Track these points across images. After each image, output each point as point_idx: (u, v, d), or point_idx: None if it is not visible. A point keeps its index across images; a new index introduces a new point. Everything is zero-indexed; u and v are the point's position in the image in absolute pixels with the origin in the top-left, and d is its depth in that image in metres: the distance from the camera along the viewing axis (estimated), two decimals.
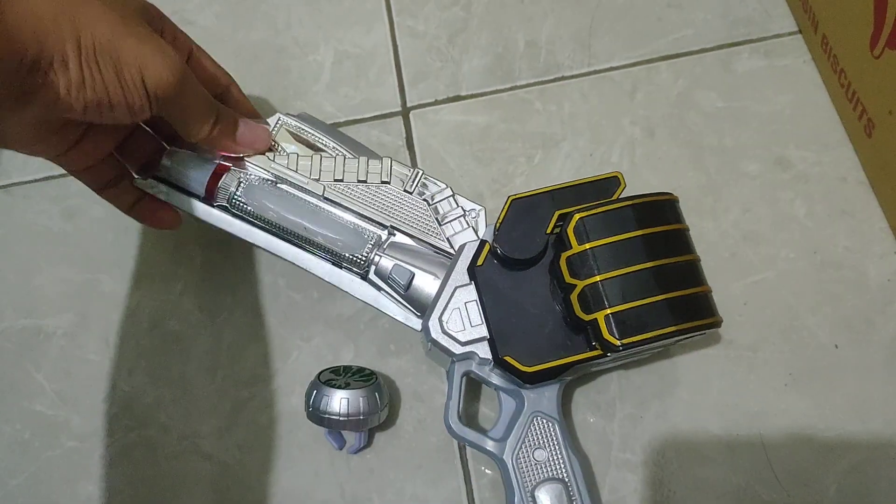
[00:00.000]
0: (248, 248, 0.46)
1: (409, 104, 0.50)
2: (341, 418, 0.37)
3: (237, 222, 0.39)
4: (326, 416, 0.37)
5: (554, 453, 0.35)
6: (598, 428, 0.40)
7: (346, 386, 0.38)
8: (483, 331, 0.35)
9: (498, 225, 0.36)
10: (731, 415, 0.40)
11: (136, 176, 0.41)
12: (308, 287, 0.45)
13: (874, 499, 0.38)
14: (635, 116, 0.48)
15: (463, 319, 0.36)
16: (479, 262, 0.36)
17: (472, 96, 0.50)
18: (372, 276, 0.38)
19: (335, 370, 0.40)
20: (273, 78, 0.52)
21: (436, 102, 0.50)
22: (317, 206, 0.39)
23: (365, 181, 0.39)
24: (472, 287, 0.36)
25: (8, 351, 0.45)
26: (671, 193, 0.36)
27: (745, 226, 0.44)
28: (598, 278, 0.33)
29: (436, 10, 0.53)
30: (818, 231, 0.44)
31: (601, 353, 0.34)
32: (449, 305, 0.36)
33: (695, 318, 0.33)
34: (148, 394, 0.43)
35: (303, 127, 0.41)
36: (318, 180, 0.39)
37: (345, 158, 0.39)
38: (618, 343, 0.32)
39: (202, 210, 0.40)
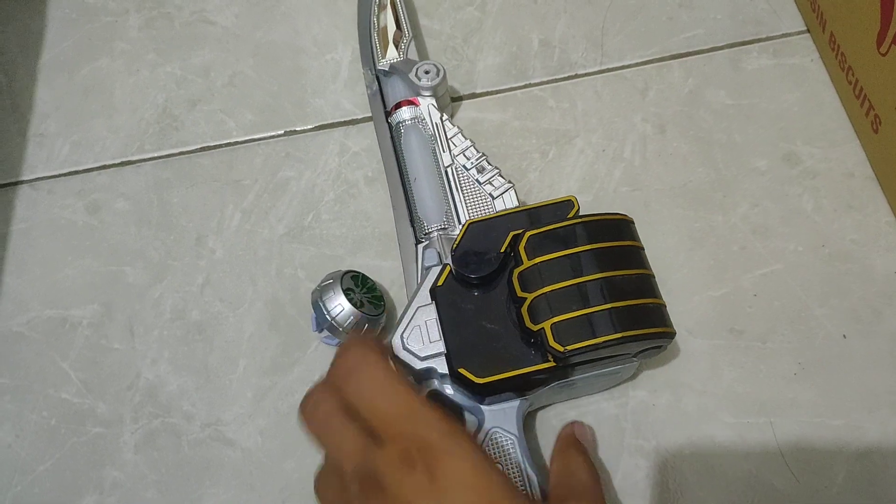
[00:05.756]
0: (267, 241, 0.47)
1: None
2: (339, 328, 0.40)
3: (386, 141, 0.47)
4: (330, 319, 0.40)
5: (512, 469, 0.35)
6: (610, 415, 0.41)
7: (359, 305, 0.41)
8: (441, 346, 0.36)
9: (454, 246, 0.37)
10: (741, 403, 0.41)
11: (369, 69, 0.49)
12: None
13: (881, 485, 0.38)
14: (647, 113, 0.49)
15: (423, 337, 0.36)
16: (440, 282, 0.37)
17: (486, 94, 0.51)
18: (419, 247, 0.42)
19: (354, 277, 0.42)
20: (291, 76, 0.53)
21: (451, 100, 0.51)
22: (436, 172, 0.44)
23: (480, 182, 0.43)
24: (433, 306, 0.37)
25: (35, 341, 0.46)
26: (625, 215, 0.36)
27: (755, 220, 0.45)
28: (545, 290, 0.34)
29: (451, 11, 0.54)
30: (826, 225, 0.45)
31: (552, 364, 0.34)
32: (410, 324, 0.37)
33: (641, 327, 0.33)
34: (171, 382, 0.44)
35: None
36: (453, 156, 0.44)
37: (486, 158, 0.44)
38: (562, 350, 0.33)
39: (378, 118, 0.48)
